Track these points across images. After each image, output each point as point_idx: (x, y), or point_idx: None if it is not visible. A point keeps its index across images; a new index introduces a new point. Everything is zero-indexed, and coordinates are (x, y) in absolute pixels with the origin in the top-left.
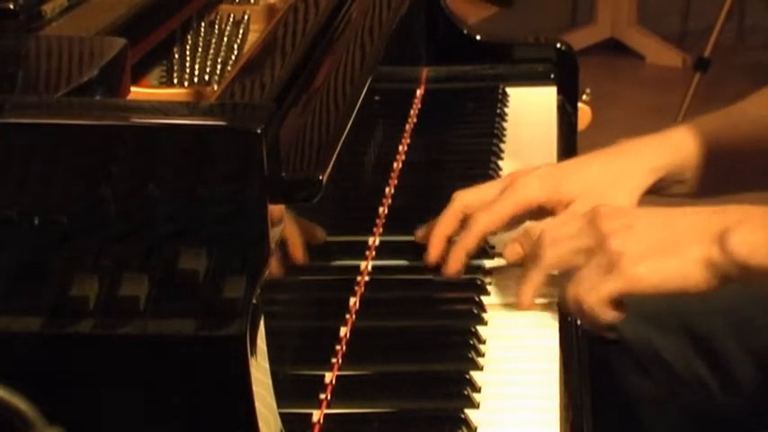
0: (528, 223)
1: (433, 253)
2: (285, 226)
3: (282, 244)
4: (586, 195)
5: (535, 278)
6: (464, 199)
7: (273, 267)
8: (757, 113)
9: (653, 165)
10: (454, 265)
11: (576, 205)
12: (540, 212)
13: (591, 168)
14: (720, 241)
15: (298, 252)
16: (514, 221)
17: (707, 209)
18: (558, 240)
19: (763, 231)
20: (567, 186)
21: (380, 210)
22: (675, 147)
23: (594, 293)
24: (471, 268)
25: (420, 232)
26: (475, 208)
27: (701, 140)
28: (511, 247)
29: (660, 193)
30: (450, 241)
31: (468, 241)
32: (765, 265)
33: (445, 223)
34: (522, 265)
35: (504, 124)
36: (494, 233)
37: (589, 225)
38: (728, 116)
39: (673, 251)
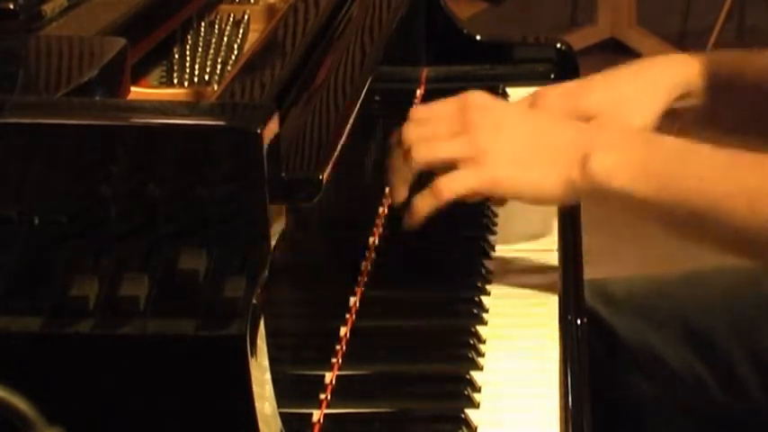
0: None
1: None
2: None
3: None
4: (605, 113)
5: (404, 177)
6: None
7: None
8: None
9: (674, 81)
10: (400, 196)
11: (592, 123)
12: None
13: (612, 86)
14: (581, 161)
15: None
16: None
17: (577, 125)
18: (427, 139)
19: (624, 155)
20: (585, 104)
21: (380, 210)
22: (693, 67)
23: (452, 182)
24: (471, 268)
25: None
26: None
27: (716, 68)
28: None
29: (680, 116)
30: None
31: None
32: (619, 190)
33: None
34: None
35: None
36: None
37: (458, 114)
38: (744, 54)
39: (535, 163)
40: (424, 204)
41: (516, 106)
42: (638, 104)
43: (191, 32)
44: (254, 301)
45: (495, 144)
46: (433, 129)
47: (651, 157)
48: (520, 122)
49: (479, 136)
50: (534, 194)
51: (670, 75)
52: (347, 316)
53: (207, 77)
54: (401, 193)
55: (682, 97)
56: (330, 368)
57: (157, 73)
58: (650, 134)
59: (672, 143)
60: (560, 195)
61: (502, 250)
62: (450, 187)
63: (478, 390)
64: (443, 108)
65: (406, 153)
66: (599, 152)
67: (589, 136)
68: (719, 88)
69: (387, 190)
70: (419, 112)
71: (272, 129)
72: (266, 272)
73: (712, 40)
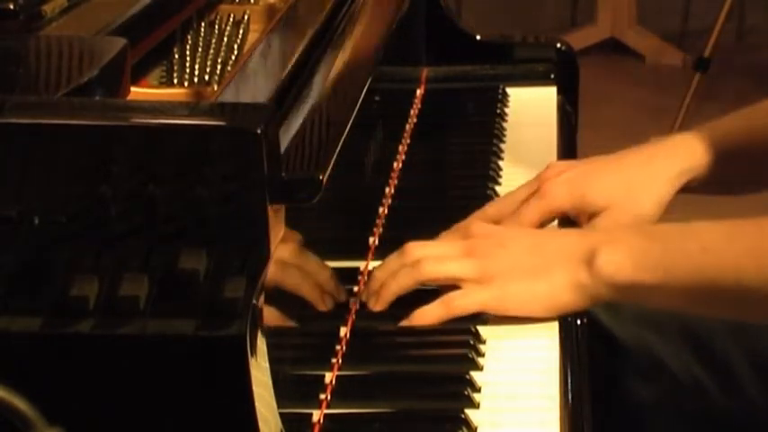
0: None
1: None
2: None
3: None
4: (612, 206)
5: (403, 285)
6: (496, 208)
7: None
8: None
9: (679, 170)
10: (385, 302)
11: (600, 217)
12: (564, 215)
13: (618, 176)
14: (587, 262)
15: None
16: (540, 227)
17: (574, 231)
18: (437, 257)
19: (626, 250)
20: (592, 197)
21: (380, 210)
22: (699, 150)
23: (464, 297)
24: None
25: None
26: (505, 214)
27: (722, 143)
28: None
29: (688, 191)
30: None
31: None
32: (631, 281)
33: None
34: None
35: (504, 124)
36: None
37: (462, 242)
38: (747, 118)
39: (542, 274)
40: (434, 315)
41: (516, 228)
42: (647, 193)
43: (191, 32)
44: (254, 301)
45: (502, 262)
46: (439, 249)
47: (652, 243)
48: (521, 237)
49: (486, 258)
50: (546, 305)
51: (677, 162)
52: (347, 316)
53: (207, 77)
54: (388, 300)
55: (689, 183)
56: (330, 368)
57: (157, 73)
58: (647, 225)
59: (670, 226)
60: (572, 301)
61: None
62: (462, 303)
63: (478, 390)
64: (445, 238)
65: (414, 265)
66: (603, 250)
67: (591, 238)
68: (727, 162)
69: (386, 190)
70: (427, 250)
71: (272, 129)
72: (266, 272)
73: (712, 40)
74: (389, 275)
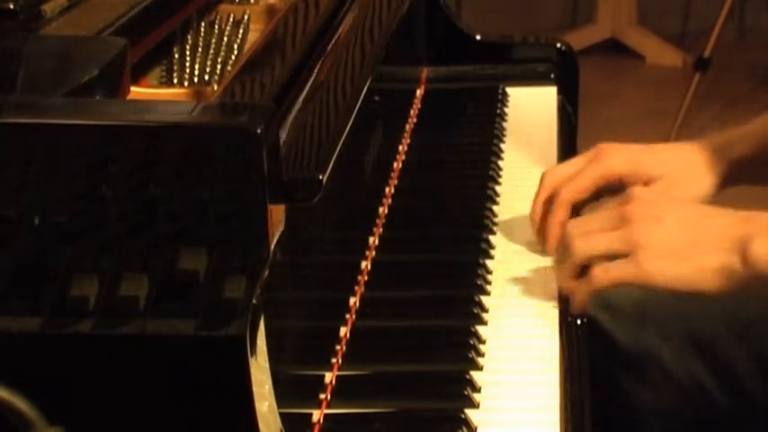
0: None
1: (551, 242)
2: None
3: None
4: (666, 177)
5: (567, 270)
6: (552, 176)
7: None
8: None
9: (733, 157)
10: (553, 240)
11: (653, 186)
12: (621, 186)
13: (675, 154)
14: (741, 249)
15: None
16: (596, 192)
17: (733, 213)
18: (587, 233)
19: None
20: (648, 164)
21: (380, 210)
22: (751, 139)
23: (605, 273)
24: (471, 268)
25: (535, 217)
26: (561, 181)
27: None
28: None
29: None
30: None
31: (558, 215)
32: None
33: (540, 203)
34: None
35: (504, 124)
36: (580, 202)
37: (621, 206)
38: None
39: (691, 254)
40: (582, 293)
41: (677, 200)
42: (699, 175)
43: (191, 32)
44: (254, 301)
45: (652, 237)
46: (594, 222)
47: None
48: (681, 212)
49: (637, 229)
50: (689, 286)
51: (728, 147)
52: (347, 316)
53: (207, 77)
54: (569, 285)
55: (742, 171)
56: (330, 368)
57: (157, 73)
58: None
59: None
60: (718, 285)
61: (502, 250)
62: (605, 277)
63: (478, 390)
64: (611, 203)
65: (567, 247)
66: (760, 238)
67: (748, 223)
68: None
69: (386, 190)
70: (580, 225)
71: (272, 129)
72: (266, 272)
73: (712, 40)
74: (558, 272)
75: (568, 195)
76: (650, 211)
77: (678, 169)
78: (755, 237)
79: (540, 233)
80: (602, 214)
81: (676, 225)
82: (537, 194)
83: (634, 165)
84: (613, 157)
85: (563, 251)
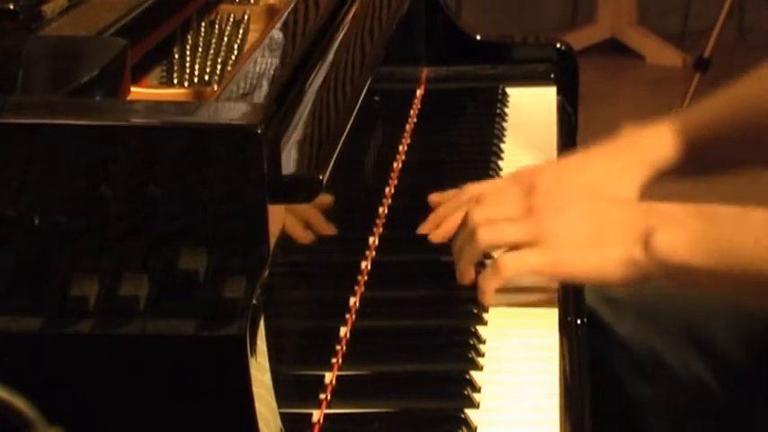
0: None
1: (427, 229)
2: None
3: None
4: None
5: (470, 257)
6: (472, 191)
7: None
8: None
9: (650, 159)
10: (467, 276)
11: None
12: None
13: (593, 170)
14: (643, 240)
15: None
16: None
17: (635, 205)
18: (492, 222)
19: (684, 231)
20: (569, 190)
21: (380, 210)
22: (670, 140)
23: (515, 261)
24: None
25: (435, 197)
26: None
27: (694, 133)
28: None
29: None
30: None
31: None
32: (685, 265)
33: (450, 210)
34: None
35: (504, 124)
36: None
37: (524, 197)
38: (723, 103)
39: (596, 245)
40: (489, 282)
41: (580, 190)
42: (616, 187)
43: (191, 32)
44: (254, 301)
45: (557, 228)
46: (497, 211)
47: (709, 228)
48: (582, 205)
49: (542, 220)
50: (595, 276)
51: (643, 155)
52: (347, 316)
53: (207, 77)
54: (469, 274)
55: (658, 172)
56: (330, 368)
57: (157, 73)
58: (706, 206)
59: (726, 211)
60: (621, 276)
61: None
62: (512, 265)
63: (478, 390)
64: (509, 190)
65: (471, 235)
66: (661, 229)
67: (648, 214)
68: (696, 150)
69: (386, 190)
70: (485, 191)
71: (272, 129)
72: (266, 272)
73: (712, 40)
74: (456, 252)
75: (487, 238)
76: (554, 201)
77: (597, 187)
78: (656, 228)
79: (433, 222)
80: (505, 204)
81: (580, 215)
82: (452, 202)
83: (558, 188)
84: (545, 185)
85: (463, 238)
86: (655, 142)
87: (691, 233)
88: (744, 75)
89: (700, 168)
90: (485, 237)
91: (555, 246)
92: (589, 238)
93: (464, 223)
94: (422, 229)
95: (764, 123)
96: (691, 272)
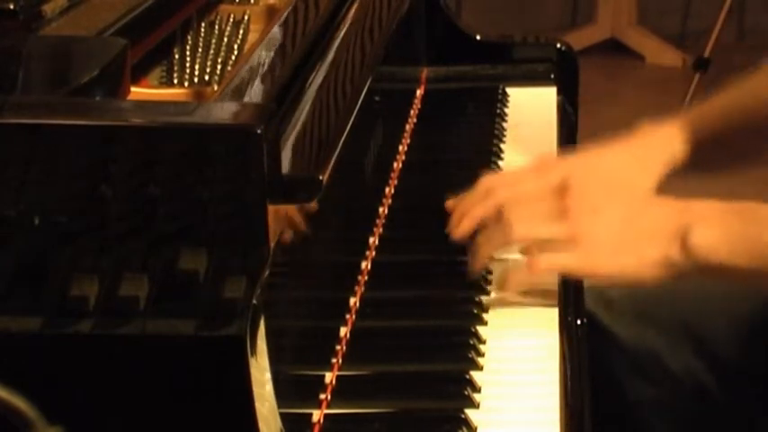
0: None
1: (457, 231)
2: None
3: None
4: (604, 189)
5: (496, 246)
6: (491, 183)
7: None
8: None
9: (665, 156)
10: (480, 265)
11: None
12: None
13: (609, 167)
14: (680, 239)
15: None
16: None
17: (671, 204)
18: (528, 217)
19: (722, 229)
20: (586, 181)
21: (380, 210)
22: (680, 137)
23: (549, 260)
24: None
25: (450, 203)
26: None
27: (703, 130)
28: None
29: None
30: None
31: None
32: (723, 263)
33: (472, 203)
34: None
35: (504, 124)
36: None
37: (557, 197)
38: (731, 99)
39: (632, 246)
40: (518, 276)
41: (613, 189)
42: (638, 180)
43: (191, 32)
44: (254, 301)
45: (593, 229)
46: (532, 210)
47: (748, 226)
48: (616, 205)
49: (578, 221)
50: (632, 277)
51: (663, 149)
52: (347, 316)
53: (207, 77)
54: (483, 263)
55: (676, 162)
56: (330, 368)
57: (157, 73)
58: (744, 204)
59: (765, 209)
60: (659, 275)
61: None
62: (549, 263)
63: (478, 390)
64: (541, 187)
65: (506, 227)
66: (698, 228)
67: (685, 213)
68: (706, 147)
69: (386, 190)
70: (503, 182)
71: (272, 129)
72: (266, 272)
73: (712, 40)
74: (484, 239)
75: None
76: (587, 203)
77: (616, 181)
78: (693, 226)
79: (458, 220)
80: (540, 205)
81: (615, 217)
82: (472, 195)
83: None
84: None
85: (495, 229)
86: (668, 140)
87: (729, 231)
88: (746, 73)
89: (709, 164)
90: (521, 231)
91: (591, 247)
92: (625, 238)
93: (499, 216)
94: (449, 229)
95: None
96: (729, 270)
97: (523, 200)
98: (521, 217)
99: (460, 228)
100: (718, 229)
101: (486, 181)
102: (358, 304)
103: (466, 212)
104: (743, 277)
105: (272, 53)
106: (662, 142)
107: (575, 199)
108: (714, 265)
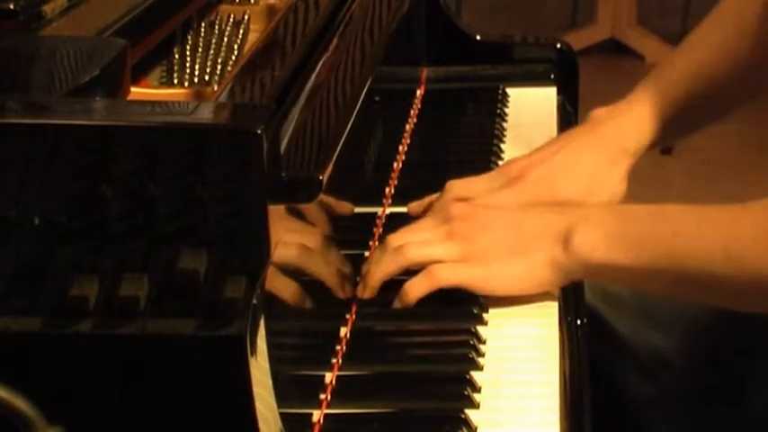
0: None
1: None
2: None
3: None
4: (582, 196)
5: (388, 271)
6: (457, 190)
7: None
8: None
9: (632, 149)
10: (371, 290)
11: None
12: None
13: (581, 166)
14: (563, 242)
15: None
16: None
17: (551, 209)
18: (420, 242)
19: (601, 230)
20: (563, 191)
21: (380, 210)
22: (647, 124)
23: (447, 270)
24: None
25: (414, 207)
26: (474, 195)
27: (664, 108)
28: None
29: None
30: None
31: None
32: (603, 262)
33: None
34: None
35: (504, 124)
36: None
37: (444, 225)
38: (681, 69)
39: (522, 252)
40: (418, 289)
41: (494, 207)
42: (607, 182)
43: (191, 32)
44: (255, 301)
45: (483, 243)
46: (421, 235)
47: (625, 224)
48: (501, 217)
49: (467, 240)
50: (527, 283)
51: (625, 138)
52: (347, 316)
53: (207, 77)
54: (375, 286)
55: (641, 151)
56: (330, 368)
57: (157, 73)
58: (622, 205)
59: (643, 208)
60: (550, 279)
61: None
62: (446, 275)
63: (478, 390)
64: (424, 222)
65: (397, 250)
66: (578, 229)
67: (567, 215)
68: (677, 116)
69: (386, 190)
70: (469, 187)
71: (272, 129)
72: (266, 272)
73: None
74: (374, 264)
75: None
76: (472, 223)
77: (588, 186)
78: (573, 228)
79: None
80: (426, 231)
81: (502, 228)
82: (439, 201)
83: (549, 197)
84: (528, 192)
85: (387, 254)
86: (632, 127)
87: (608, 230)
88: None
89: (681, 132)
90: (412, 253)
91: (485, 260)
92: (515, 247)
93: (385, 245)
94: (412, 211)
95: (754, 59)
96: (612, 269)
97: (407, 231)
98: (410, 241)
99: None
100: (598, 228)
101: (454, 189)
102: (358, 304)
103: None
104: (630, 277)
105: (272, 53)
106: (625, 130)
107: (458, 224)
108: (598, 264)
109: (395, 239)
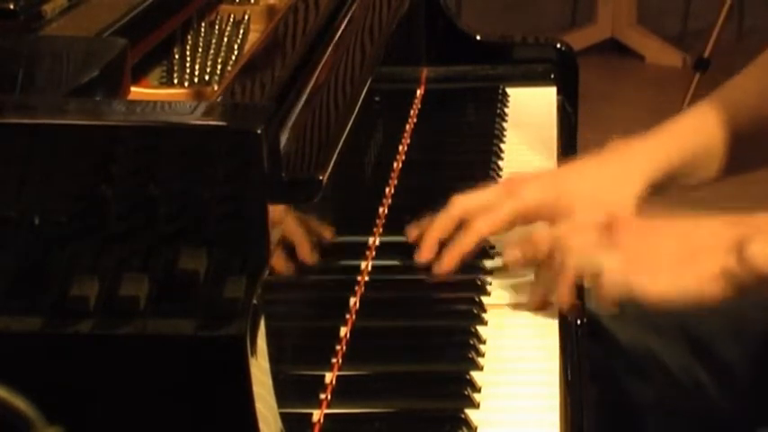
0: (533, 227)
1: (425, 254)
2: (290, 226)
3: (288, 244)
4: (584, 202)
5: (553, 284)
6: (462, 203)
7: (280, 266)
8: (753, 91)
9: (645, 169)
10: (448, 264)
11: (577, 214)
12: (537, 218)
13: (586, 176)
14: (738, 251)
15: (305, 251)
16: (511, 226)
17: (723, 218)
18: (578, 250)
19: None
20: (565, 194)
21: (380, 210)
22: (669, 148)
23: (618, 282)
24: (471, 268)
25: (413, 232)
26: (473, 213)
27: (698, 133)
28: (510, 252)
29: (675, 186)
30: (444, 244)
31: (465, 243)
32: None
33: (440, 226)
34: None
35: (504, 124)
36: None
37: (606, 233)
38: (724, 99)
39: (689, 263)
40: (608, 293)
41: (660, 221)
42: (611, 195)
43: (191, 32)
44: (255, 301)
45: (648, 255)
46: (584, 241)
47: None
48: (667, 227)
49: (633, 251)
50: (694, 294)
51: (637, 165)
52: (347, 316)
53: (207, 77)
54: (571, 295)
55: (660, 181)
56: (330, 368)
57: (157, 73)
58: None
59: None
60: (719, 290)
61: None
62: (616, 287)
63: (478, 390)
64: (587, 227)
65: (563, 261)
66: (756, 239)
67: (739, 225)
68: (712, 145)
69: (386, 190)
70: (568, 241)
71: (272, 129)
72: (266, 272)
73: (712, 40)
74: (542, 274)
75: (485, 228)
76: (636, 233)
77: (591, 193)
78: (752, 237)
79: (427, 250)
80: (589, 239)
81: (670, 238)
82: (441, 216)
83: (550, 197)
84: (529, 191)
85: (549, 265)
86: (650, 152)
87: None
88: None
89: (719, 171)
90: (577, 262)
91: (652, 272)
92: (682, 258)
93: (553, 246)
94: (419, 256)
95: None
96: None
97: (571, 234)
98: (573, 248)
99: (443, 264)
100: None
101: (458, 204)
102: (358, 304)
103: (436, 239)
104: None
105: (272, 53)
106: (642, 157)
107: (623, 234)
108: None
109: (562, 241)
